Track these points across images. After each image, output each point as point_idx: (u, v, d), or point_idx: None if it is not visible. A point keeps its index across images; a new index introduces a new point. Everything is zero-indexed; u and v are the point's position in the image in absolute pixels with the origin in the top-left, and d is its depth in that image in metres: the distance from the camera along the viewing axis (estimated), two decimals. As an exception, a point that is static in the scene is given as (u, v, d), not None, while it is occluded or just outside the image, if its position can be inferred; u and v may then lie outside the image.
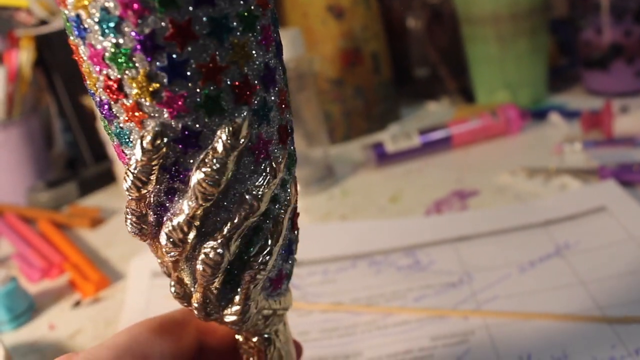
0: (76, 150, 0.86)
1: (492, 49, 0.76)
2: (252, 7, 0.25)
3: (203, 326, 0.34)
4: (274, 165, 0.27)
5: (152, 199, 0.27)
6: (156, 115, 0.24)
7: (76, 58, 0.26)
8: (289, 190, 0.29)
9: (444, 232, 0.54)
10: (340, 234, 0.57)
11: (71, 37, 0.25)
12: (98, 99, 0.26)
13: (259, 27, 0.25)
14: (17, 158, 0.80)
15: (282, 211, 0.29)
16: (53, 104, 0.85)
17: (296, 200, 0.30)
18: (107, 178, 0.82)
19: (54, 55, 0.81)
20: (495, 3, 0.74)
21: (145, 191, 0.26)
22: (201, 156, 0.25)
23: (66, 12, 0.24)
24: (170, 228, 0.27)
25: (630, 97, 0.75)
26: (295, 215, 0.30)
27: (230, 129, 0.25)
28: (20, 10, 0.80)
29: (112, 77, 0.24)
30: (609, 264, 0.46)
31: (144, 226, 0.28)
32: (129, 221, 0.27)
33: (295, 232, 0.31)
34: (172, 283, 0.29)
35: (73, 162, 0.89)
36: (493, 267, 0.48)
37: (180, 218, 0.26)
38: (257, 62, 0.25)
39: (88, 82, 0.26)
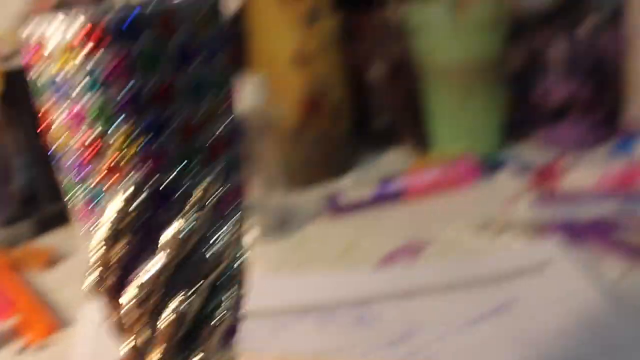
0: (34, 188, 0.86)
1: (450, 101, 0.78)
2: (221, 73, 0.27)
3: None
4: (236, 222, 0.29)
5: (121, 255, 0.27)
6: (134, 173, 0.25)
7: (43, 119, 0.26)
8: (245, 246, 0.30)
9: (392, 286, 0.55)
10: (290, 285, 0.57)
11: (43, 98, 0.26)
12: (68, 161, 0.26)
13: (225, 92, 0.27)
14: (-27, 195, 0.79)
15: (240, 266, 0.30)
16: (14, 140, 0.85)
17: (247, 257, 0.31)
18: (64, 219, 0.81)
19: (21, 90, 0.81)
20: (454, 57, 0.76)
21: (114, 249, 0.27)
22: (176, 213, 0.26)
23: (40, 74, 0.25)
24: (141, 282, 0.27)
25: (579, 153, 0.78)
26: (246, 270, 0.31)
27: (202, 187, 0.26)
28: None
29: (92, 137, 0.25)
30: (552, 320, 0.48)
31: (106, 282, 0.28)
32: (92, 276, 0.28)
33: (244, 288, 0.32)
34: (125, 344, 0.29)
35: (30, 199, 0.88)
36: (437, 322, 0.49)
37: (150, 274, 0.27)
38: (225, 124, 0.27)
39: (58, 143, 0.26)
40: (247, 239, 0.30)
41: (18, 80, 0.80)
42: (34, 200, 0.86)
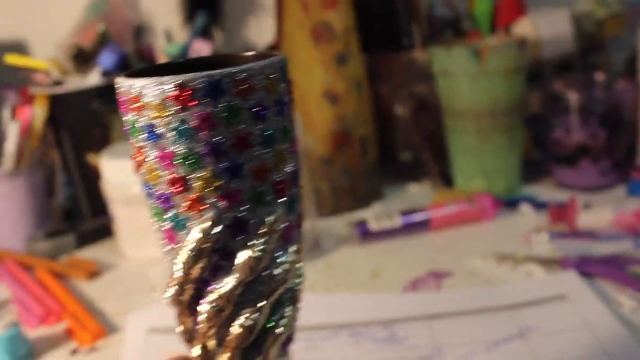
0: (75, 203, 0.91)
1: (471, 141, 0.83)
2: (288, 122, 0.32)
3: None
4: (297, 247, 0.34)
5: (198, 273, 0.32)
6: (214, 206, 0.30)
7: (136, 158, 0.31)
8: (302, 267, 0.35)
9: (419, 309, 0.59)
10: (325, 304, 0.62)
11: (136, 139, 0.31)
12: (157, 192, 0.31)
13: (291, 138, 0.32)
14: (20, 207, 0.84)
15: (298, 284, 0.35)
16: (58, 158, 0.90)
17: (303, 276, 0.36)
18: (104, 233, 0.86)
19: (65, 114, 0.87)
20: (476, 101, 0.81)
21: (195, 267, 0.32)
22: (249, 239, 0.31)
23: (137, 119, 0.30)
24: (215, 297, 0.32)
25: (594, 194, 0.82)
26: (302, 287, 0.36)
27: (273, 218, 0.31)
28: (38, 71, 0.86)
29: (179, 175, 0.30)
30: (566, 349, 0.52)
31: (181, 297, 0.33)
32: (171, 290, 0.33)
33: (300, 302, 0.37)
34: (197, 348, 0.34)
35: (70, 214, 0.93)
36: (462, 344, 0.54)
37: (225, 289, 0.32)
38: (290, 166, 0.32)
39: (148, 177, 0.31)
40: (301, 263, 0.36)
41: (61, 104, 0.86)
42: (76, 215, 0.91)
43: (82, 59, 0.90)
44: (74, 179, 0.89)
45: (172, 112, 0.29)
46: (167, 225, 0.32)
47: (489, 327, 0.56)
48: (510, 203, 0.81)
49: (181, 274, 0.32)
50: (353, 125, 0.84)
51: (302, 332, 0.58)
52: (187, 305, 0.33)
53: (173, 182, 0.30)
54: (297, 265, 0.35)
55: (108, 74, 0.88)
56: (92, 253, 0.84)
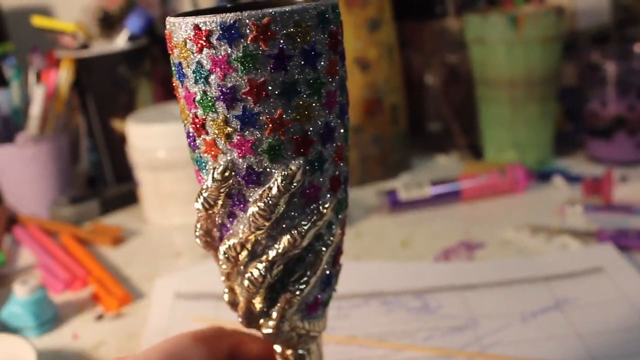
0: (99, 169, 0.90)
1: (504, 111, 0.81)
2: (320, 75, 0.29)
3: (235, 342, 0.38)
4: (321, 209, 0.31)
5: (217, 218, 0.31)
6: (227, 153, 0.29)
7: (176, 94, 0.31)
8: (333, 230, 0.33)
9: (452, 279, 0.58)
10: (355, 272, 0.60)
11: (174, 78, 0.30)
12: (187, 131, 0.31)
13: (324, 92, 0.30)
14: (44, 172, 0.83)
15: (324, 248, 0.33)
16: (83, 124, 0.89)
17: (341, 240, 0.34)
18: (128, 199, 0.85)
19: (90, 78, 0.85)
20: (511, 69, 0.79)
21: (212, 212, 0.31)
22: (259, 192, 0.30)
23: (173, 58, 0.29)
24: (226, 247, 0.31)
25: (630, 167, 0.80)
26: (338, 252, 0.35)
27: (286, 174, 0.29)
28: (65, 33, 0.85)
29: (198, 116, 0.29)
30: (604, 321, 0.50)
31: (208, 239, 0.32)
32: (197, 233, 0.32)
33: (337, 267, 0.35)
34: (226, 290, 0.34)
35: (94, 180, 0.93)
36: (497, 315, 0.52)
37: (234, 240, 0.31)
38: (319, 122, 0.30)
39: (182, 115, 0.31)
40: (336, 227, 0.33)
41: (87, 68, 0.84)
42: (100, 181, 0.90)
43: (108, 23, 0.89)
44: (98, 144, 0.88)
45: (191, 53, 0.28)
46: (194, 165, 0.32)
47: (524, 298, 0.54)
48: (542, 175, 0.79)
49: (202, 214, 0.31)
50: (384, 93, 0.82)
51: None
52: (215, 247, 0.33)
53: (194, 122, 0.30)
54: (322, 229, 0.32)
55: (135, 38, 0.87)
56: (116, 219, 0.83)
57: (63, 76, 0.83)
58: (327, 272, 0.34)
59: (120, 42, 0.87)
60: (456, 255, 0.63)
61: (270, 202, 0.30)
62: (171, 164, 0.75)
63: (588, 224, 0.67)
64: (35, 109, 0.81)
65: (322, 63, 0.29)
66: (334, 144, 0.31)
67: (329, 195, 0.31)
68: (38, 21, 0.86)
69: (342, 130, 0.31)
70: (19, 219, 0.83)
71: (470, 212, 0.73)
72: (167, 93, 0.97)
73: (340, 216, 0.33)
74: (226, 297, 0.34)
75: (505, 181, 0.76)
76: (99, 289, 0.63)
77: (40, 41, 0.90)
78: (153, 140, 0.76)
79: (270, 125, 0.28)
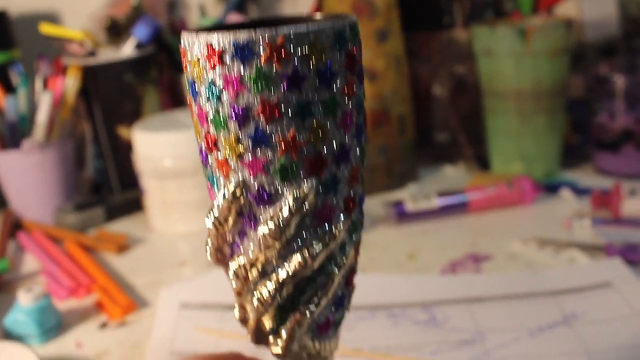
0: (104, 176, 0.90)
1: (511, 122, 0.81)
2: (336, 96, 0.29)
3: None
4: (334, 231, 0.31)
5: (228, 236, 0.31)
6: (239, 171, 0.29)
7: (190, 110, 0.31)
8: (347, 252, 0.32)
9: (459, 291, 0.57)
10: (361, 284, 0.60)
11: (188, 95, 0.30)
12: (199, 147, 0.30)
13: (339, 113, 0.29)
14: (50, 179, 0.83)
15: (336, 270, 0.32)
16: (89, 131, 0.89)
17: (355, 261, 0.34)
18: (133, 206, 0.85)
19: (97, 85, 0.85)
20: (518, 81, 0.78)
21: (223, 229, 0.30)
22: (270, 212, 0.29)
23: (187, 75, 0.29)
24: (236, 266, 0.31)
25: (638, 181, 0.80)
26: (351, 273, 0.34)
27: (297, 195, 0.29)
28: (73, 41, 0.85)
29: (210, 134, 0.29)
30: (613, 337, 0.50)
31: (219, 256, 0.32)
32: (208, 249, 0.32)
33: (350, 288, 0.34)
34: (237, 307, 0.33)
35: (99, 187, 0.92)
36: (504, 329, 0.52)
37: (244, 259, 0.31)
38: (333, 142, 0.29)
39: (195, 131, 0.31)
40: (350, 248, 0.33)
41: (94, 76, 0.84)
42: (105, 188, 0.90)
43: (115, 31, 0.88)
44: (104, 151, 0.88)
45: (204, 71, 0.28)
46: (206, 180, 0.32)
47: (532, 313, 0.54)
48: (550, 188, 0.79)
49: (213, 231, 0.31)
50: (391, 103, 0.81)
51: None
52: (225, 263, 0.33)
53: (206, 139, 0.30)
54: (335, 250, 0.32)
55: (142, 46, 0.87)
56: (121, 227, 0.83)
57: (70, 83, 0.83)
58: (340, 293, 0.34)
59: (127, 49, 0.86)
60: (463, 268, 0.63)
61: (280, 222, 0.29)
62: (177, 172, 0.75)
63: (596, 238, 0.66)
64: (42, 116, 0.81)
65: (338, 83, 0.28)
66: (349, 165, 0.30)
67: (342, 217, 0.31)
68: (46, 28, 0.86)
69: (358, 151, 0.31)
70: (24, 225, 0.82)
71: (477, 224, 0.73)
72: (173, 101, 0.97)
73: (354, 237, 0.33)
74: (237, 313, 0.34)
75: (513, 193, 0.75)
76: (103, 296, 0.63)
77: (48, 48, 0.90)
78: (159, 148, 0.75)
79: (283, 145, 0.28)
